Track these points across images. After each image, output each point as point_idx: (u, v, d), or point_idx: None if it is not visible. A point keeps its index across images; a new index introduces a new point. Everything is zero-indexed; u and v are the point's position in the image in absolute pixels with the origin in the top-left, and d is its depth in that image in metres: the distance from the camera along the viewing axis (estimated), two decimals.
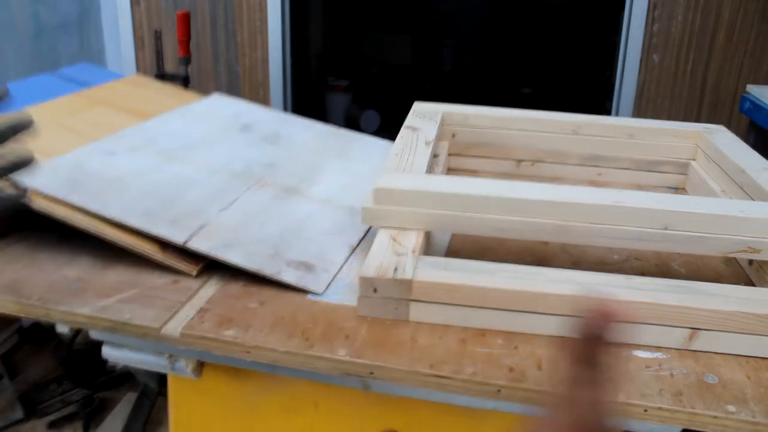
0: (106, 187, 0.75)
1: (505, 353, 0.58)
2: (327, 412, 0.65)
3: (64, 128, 0.87)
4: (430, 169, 0.81)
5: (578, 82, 4.35)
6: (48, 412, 1.55)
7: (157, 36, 2.04)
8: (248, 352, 0.58)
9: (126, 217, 0.70)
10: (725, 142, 0.90)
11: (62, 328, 0.79)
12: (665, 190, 0.97)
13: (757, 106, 2.00)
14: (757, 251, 0.65)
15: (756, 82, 2.62)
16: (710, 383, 0.56)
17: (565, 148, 0.98)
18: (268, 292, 0.66)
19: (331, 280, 0.69)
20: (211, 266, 0.70)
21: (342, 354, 0.57)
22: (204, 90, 3.27)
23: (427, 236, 0.71)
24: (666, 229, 0.65)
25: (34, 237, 0.75)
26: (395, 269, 0.62)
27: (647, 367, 0.57)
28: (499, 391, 0.55)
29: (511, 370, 0.56)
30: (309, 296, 0.66)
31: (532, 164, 1.00)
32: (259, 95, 3.07)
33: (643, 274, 0.73)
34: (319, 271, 0.69)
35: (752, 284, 0.73)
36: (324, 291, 0.67)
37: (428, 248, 0.73)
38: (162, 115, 0.98)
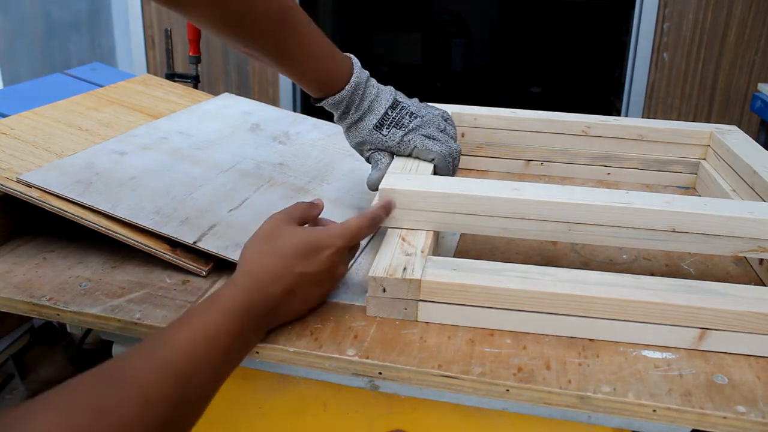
0: (117, 187, 0.75)
1: (513, 353, 0.58)
2: (335, 412, 0.65)
3: (74, 128, 0.88)
4: None
5: (588, 81, 4.34)
6: None
7: (168, 35, 2.05)
8: (257, 352, 0.59)
9: (136, 217, 0.70)
10: (737, 142, 0.90)
11: (74, 328, 0.79)
12: (675, 190, 0.97)
13: None
14: None
15: None
16: (720, 383, 0.55)
17: (575, 148, 0.98)
18: None
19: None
20: (220, 266, 0.70)
21: (351, 354, 0.57)
22: (214, 89, 3.28)
23: (436, 236, 0.71)
24: (674, 230, 0.64)
25: (45, 237, 0.76)
26: (404, 269, 0.62)
27: (656, 367, 0.57)
28: (507, 391, 0.55)
29: (519, 370, 0.56)
30: None
31: (541, 164, 1.00)
32: (268, 94, 3.08)
33: (652, 274, 0.73)
34: None
35: (763, 284, 0.73)
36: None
37: (437, 248, 0.73)
38: (172, 114, 0.99)
